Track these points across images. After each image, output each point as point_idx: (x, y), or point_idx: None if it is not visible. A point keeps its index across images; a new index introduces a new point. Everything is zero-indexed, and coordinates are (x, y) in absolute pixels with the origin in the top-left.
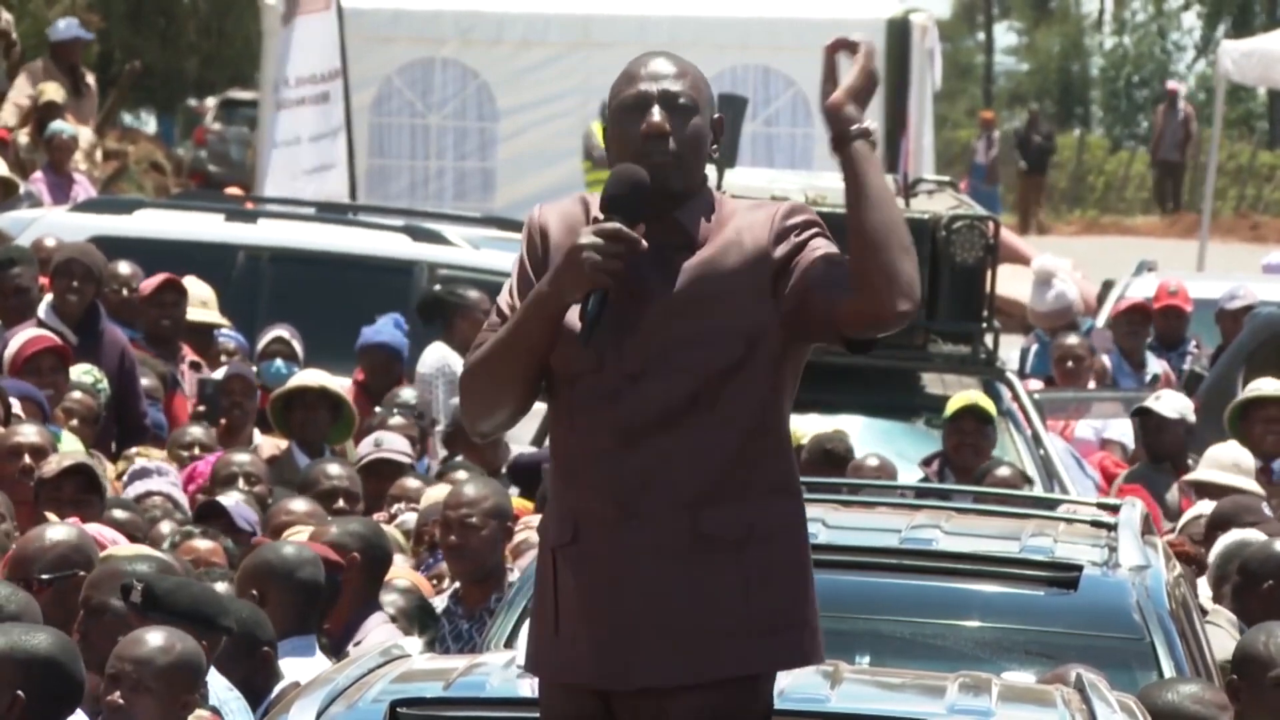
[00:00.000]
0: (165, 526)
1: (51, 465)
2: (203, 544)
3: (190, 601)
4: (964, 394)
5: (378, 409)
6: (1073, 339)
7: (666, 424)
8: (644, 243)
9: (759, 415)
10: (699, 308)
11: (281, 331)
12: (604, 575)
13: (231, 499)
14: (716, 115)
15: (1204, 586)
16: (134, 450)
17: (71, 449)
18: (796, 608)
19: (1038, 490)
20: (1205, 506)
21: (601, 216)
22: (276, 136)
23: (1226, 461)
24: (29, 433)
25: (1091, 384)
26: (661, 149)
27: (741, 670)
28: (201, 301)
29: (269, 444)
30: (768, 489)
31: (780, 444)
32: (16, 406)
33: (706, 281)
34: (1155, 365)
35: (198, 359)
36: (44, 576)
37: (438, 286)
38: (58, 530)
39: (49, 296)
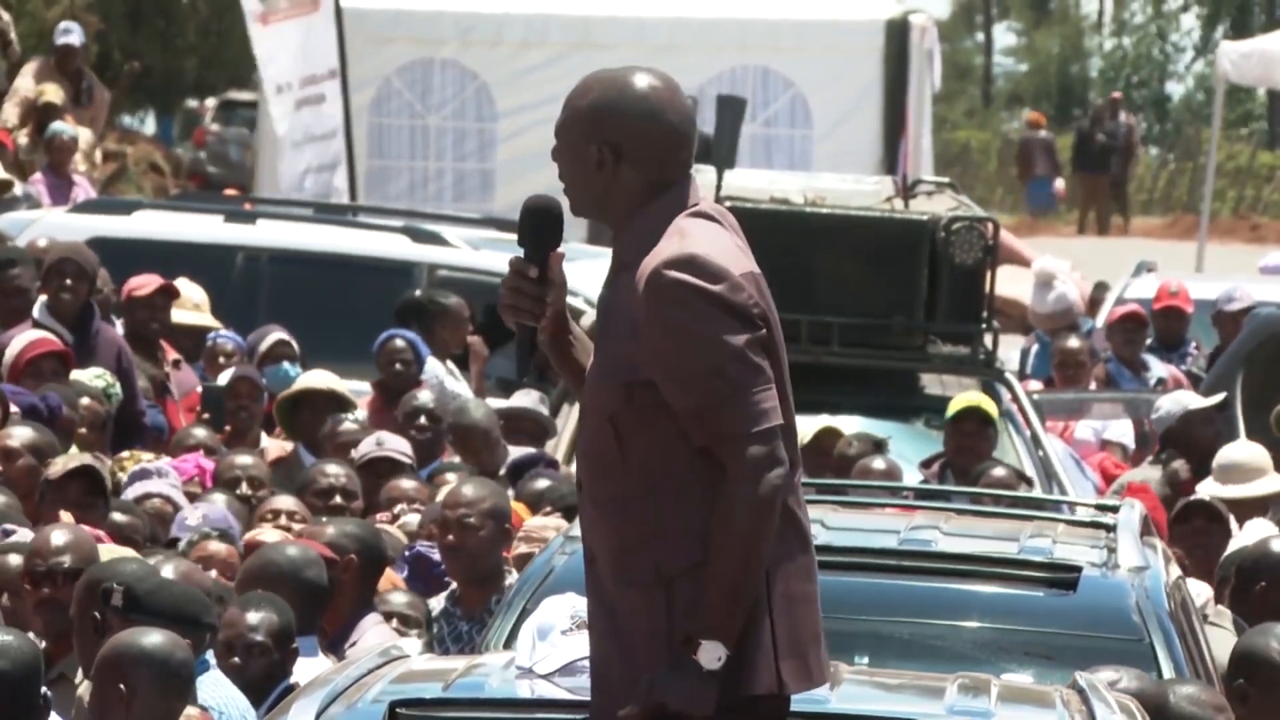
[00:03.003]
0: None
1: (57, 467)
2: (217, 546)
3: (172, 601)
4: (965, 395)
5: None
6: (1073, 342)
7: (589, 467)
8: (534, 270)
9: (667, 462)
10: (600, 347)
11: (282, 334)
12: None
13: (195, 514)
14: (606, 142)
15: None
16: (125, 454)
17: (72, 453)
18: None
19: (1036, 491)
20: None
21: None
22: (280, 138)
23: (1250, 466)
24: (20, 435)
25: (1092, 385)
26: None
27: (665, 706)
28: (194, 304)
29: (275, 446)
30: (677, 535)
31: (696, 487)
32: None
33: (605, 319)
34: (1160, 368)
35: (179, 356)
36: (45, 576)
37: (418, 291)
38: (62, 533)
39: (43, 297)
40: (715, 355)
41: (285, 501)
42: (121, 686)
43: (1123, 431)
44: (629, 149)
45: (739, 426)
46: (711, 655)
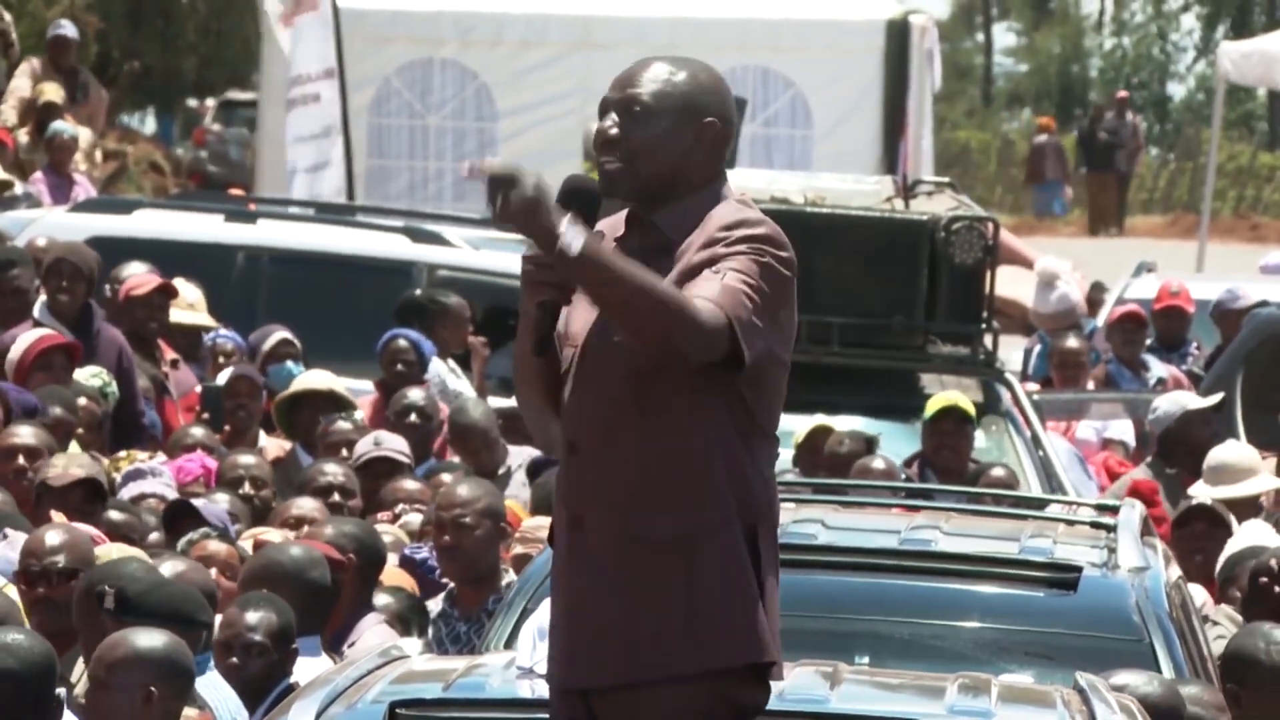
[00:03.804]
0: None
1: (57, 470)
2: (217, 546)
3: (166, 601)
4: (944, 394)
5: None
6: (1072, 342)
7: (597, 431)
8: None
9: (688, 425)
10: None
11: (285, 333)
12: (563, 580)
13: (201, 500)
14: (708, 119)
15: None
16: (123, 454)
17: (76, 453)
18: (729, 611)
19: (1035, 491)
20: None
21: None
22: (284, 136)
23: (1240, 467)
24: (24, 434)
25: (1090, 385)
26: (610, 157)
27: (671, 671)
28: (189, 304)
29: (274, 445)
30: (701, 497)
31: (717, 456)
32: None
33: None
34: (1160, 368)
35: (176, 356)
36: (41, 575)
37: (418, 291)
38: (56, 532)
39: (43, 297)
40: (754, 277)
41: (306, 505)
42: (153, 689)
43: (1123, 430)
44: (722, 133)
45: (723, 303)
46: (573, 233)
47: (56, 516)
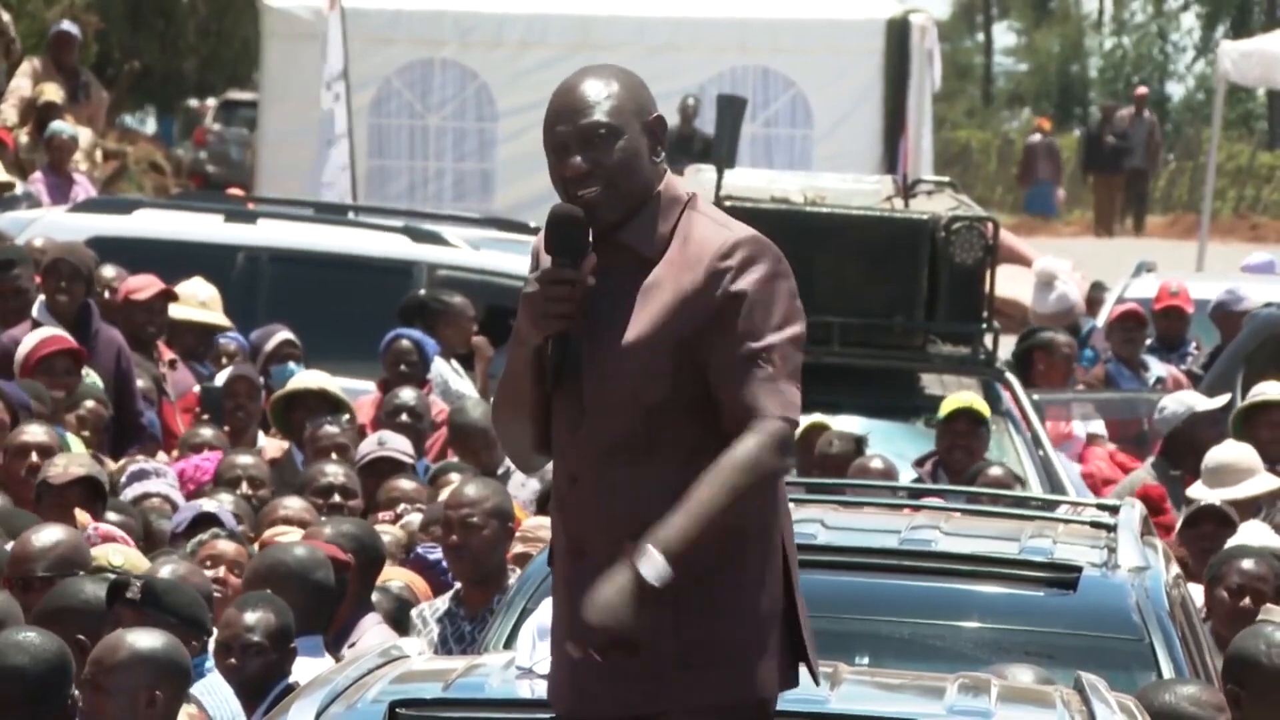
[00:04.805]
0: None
1: (58, 469)
2: (225, 545)
3: (187, 602)
4: (958, 395)
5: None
6: (1059, 336)
7: (605, 462)
8: (590, 279)
9: (700, 452)
10: (634, 341)
11: (288, 334)
12: (563, 607)
13: (213, 504)
14: (654, 115)
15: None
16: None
17: (78, 453)
18: (733, 642)
19: (1035, 491)
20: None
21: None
22: (324, 134)
23: (1239, 467)
24: (36, 432)
25: (1080, 386)
26: (588, 187)
27: (673, 704)
28: (201, 302)
29: (273, 446)
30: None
31: None
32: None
33: (643, 313)
34: (1159, 368)
35: (174, 356)
36: (42, 575)
37: (422, 291)
38: (53, 533)
39: (42, 297)
40: (777, 332)
41: (293, 505)
42: (157, 692)
43: (1098, 428)
44: (664, 123)
45: (772, 409)
46: (654, 568)
47: (81, 516)
